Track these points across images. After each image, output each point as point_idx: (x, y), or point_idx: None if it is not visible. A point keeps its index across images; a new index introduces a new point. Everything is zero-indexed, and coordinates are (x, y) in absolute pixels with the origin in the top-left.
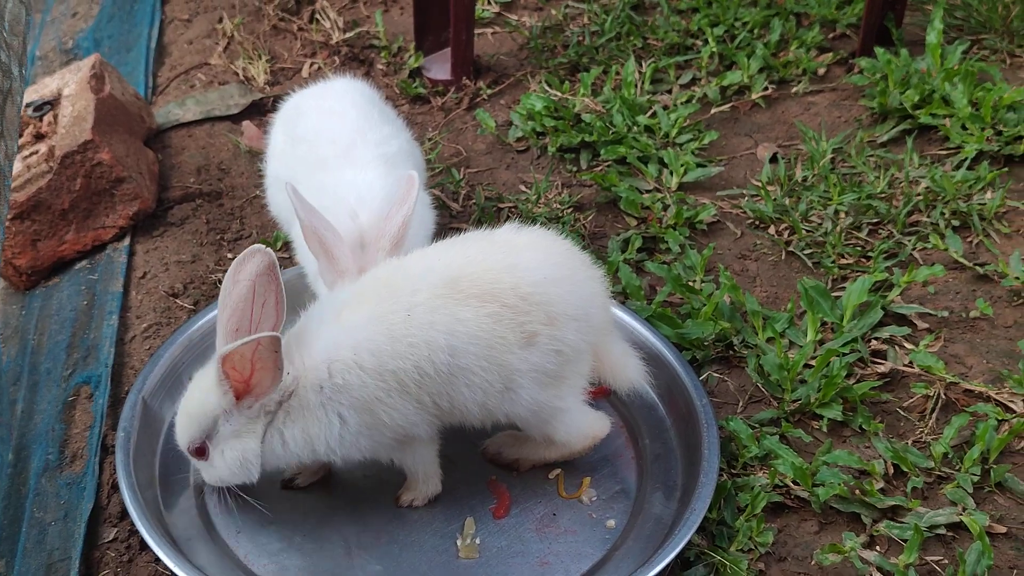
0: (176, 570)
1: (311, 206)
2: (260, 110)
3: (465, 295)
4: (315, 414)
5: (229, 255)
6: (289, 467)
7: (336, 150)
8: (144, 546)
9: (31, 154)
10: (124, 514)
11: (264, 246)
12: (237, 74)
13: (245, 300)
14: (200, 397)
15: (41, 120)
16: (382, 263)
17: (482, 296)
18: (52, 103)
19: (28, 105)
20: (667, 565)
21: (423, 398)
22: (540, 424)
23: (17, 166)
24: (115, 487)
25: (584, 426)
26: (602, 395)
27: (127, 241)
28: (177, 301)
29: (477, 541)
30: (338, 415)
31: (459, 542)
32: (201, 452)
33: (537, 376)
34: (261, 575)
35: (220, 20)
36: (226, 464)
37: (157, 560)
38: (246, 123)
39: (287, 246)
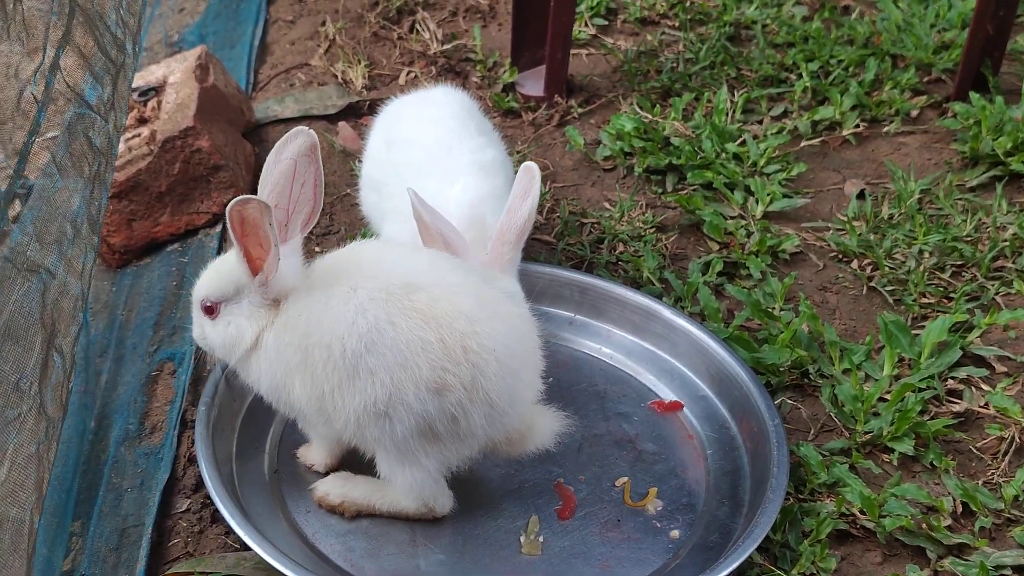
0: (248, 541)
1: (434, 209)
2: (356, 112)
3: (412, 307)
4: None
5: (317, 248)
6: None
7: (430, 157)
8: (215, 518)
9: (133, 137)
10: (198, 486)
11: (308, 128)
12: (336, 76)
13: (285, 178)
14: (234, 260)
15: (145, 105)
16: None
17: (427, 320)
18: (157, 89)
19: (134, 90)
20: None
21: (324, 387)
22: (394, 462)
23: (119, 147)
24: (191, 460)
25: (427, 493)
26: (675, 409)
27: (219, 228)
28: None
29: (541, 539)
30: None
31: (523, 539)
32: (210, 311)
33: (421, 423)
34: (327, 554)
35: (323, 24)
36: (223, 336)
37: (228, 532)
38: (342, 124)
39: None
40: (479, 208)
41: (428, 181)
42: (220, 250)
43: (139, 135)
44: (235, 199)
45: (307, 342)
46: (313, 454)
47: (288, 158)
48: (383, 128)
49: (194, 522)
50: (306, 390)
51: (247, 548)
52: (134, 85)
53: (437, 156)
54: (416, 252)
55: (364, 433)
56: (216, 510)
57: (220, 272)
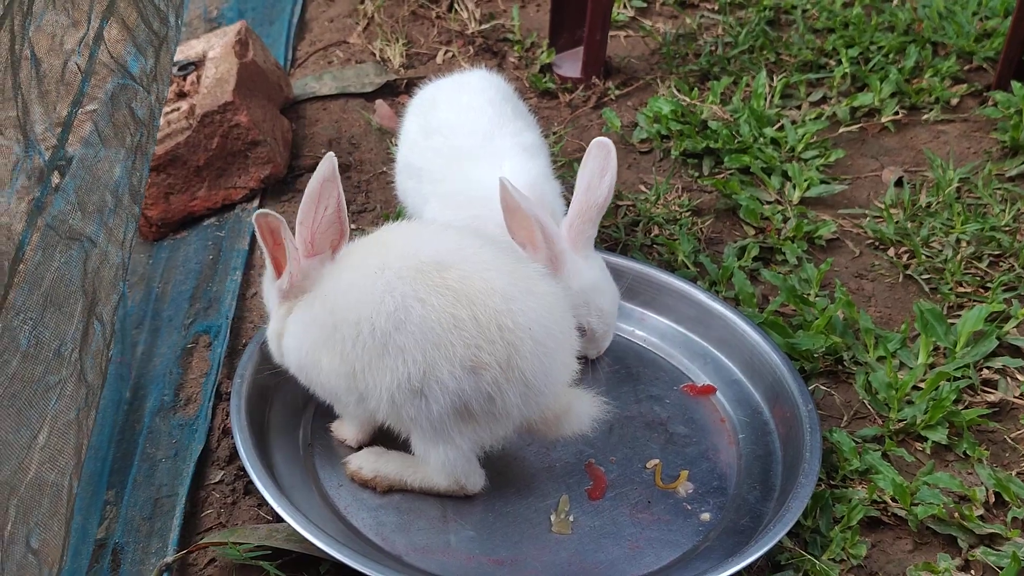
0: (281, 512)
1: (528, 198)
2: (393, 90)
3: (444, 285)
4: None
5: (352, 226)
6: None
7: (473, 143)
8: (248, 490)
9: (172, 111)
10: (232, 458)
11: (332, 154)
12: (374, 54)
13: (311, 199)
14: (272, 269)
15: (185, 79)
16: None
17: (459, 297)
18: (196, 64)
19: (174, 64)
20: (758, 560)
21: (355, 365)
22: (428, 440)
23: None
24: (225, 432)
25: (460, 471)
26: (708, 393)
27: (256, 203)
28: None
29: (571, 518)
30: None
31: (553, 517)
32: None
33: (456, 402)
34: (359, 527)
35: (362, 1)
36: (269, 336)
37: (260, 504)
38: (379, 102)
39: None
40: (537, 189)
41: (474, 166)
42: None
43: (178, 109)
44: (256, 212)
45: (333, 319)
46: (346, 429)
47: (317, 181)
48: (419, 114)
49: (227, 493)
50: (334, 367)
51: (279, 520)
52: (174, 60)
53: (479, 142)
54: (445, 230)
55: (400, 412)
56: (249, 482)
57: (266, 282)
